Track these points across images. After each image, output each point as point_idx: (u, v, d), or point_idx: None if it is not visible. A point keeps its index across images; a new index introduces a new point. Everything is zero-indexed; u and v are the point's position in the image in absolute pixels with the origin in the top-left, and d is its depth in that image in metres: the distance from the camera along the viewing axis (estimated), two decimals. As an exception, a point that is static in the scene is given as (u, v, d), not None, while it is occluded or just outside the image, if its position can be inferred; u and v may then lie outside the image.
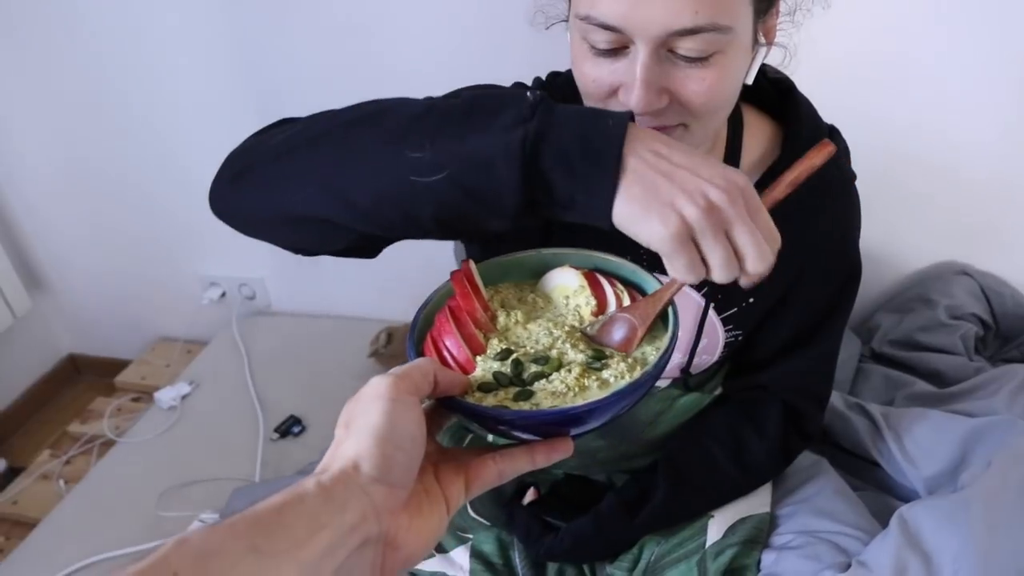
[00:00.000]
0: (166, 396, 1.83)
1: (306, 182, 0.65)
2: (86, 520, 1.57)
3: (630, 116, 0.57)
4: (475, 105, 0.60)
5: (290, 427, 1.71)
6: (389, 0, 1.55)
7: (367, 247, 0.73)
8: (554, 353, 0.57)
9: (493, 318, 0.60)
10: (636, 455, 1.05)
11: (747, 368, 1.02)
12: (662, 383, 0.98)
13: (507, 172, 0.55)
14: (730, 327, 0.93)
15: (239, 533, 0.39)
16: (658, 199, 0.52)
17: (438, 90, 0.66)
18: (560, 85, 0.86)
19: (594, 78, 0.70)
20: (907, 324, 1.48)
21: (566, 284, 0.64)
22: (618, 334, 0.59)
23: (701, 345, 0.92)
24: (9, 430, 2.16)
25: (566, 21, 0.76)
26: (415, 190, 0.59)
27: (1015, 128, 1.39)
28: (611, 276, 0.64)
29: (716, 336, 0.93)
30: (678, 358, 0.94)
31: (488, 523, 1.04)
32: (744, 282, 0.54)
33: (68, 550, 1.49)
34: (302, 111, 1.80)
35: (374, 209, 0.62)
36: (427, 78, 1.60)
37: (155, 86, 1.81)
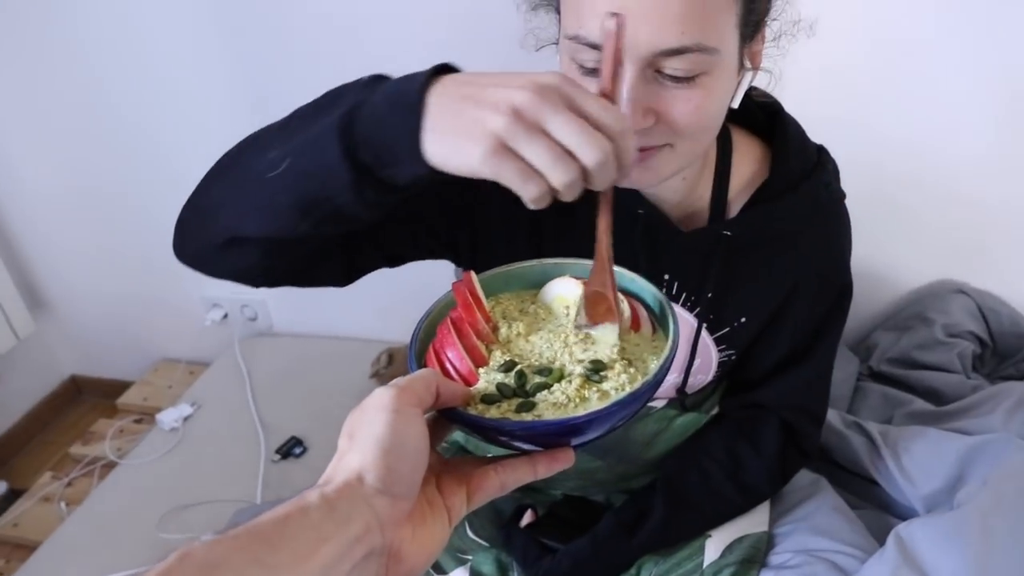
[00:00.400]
0: (168, 418, 1.84)
1: (214, 207, 0.73)
2: (87, 543, 1.57)
3: (444, 66, 0.57)
4: (323, 100, 0.66)
5: (292, 448, 1.71)
6: (386, 16, 1.57)
7: (307, 267, 0.77)
8: (556, 364, 0.57)
9: (495, 329, 0.60)
10: (634, 475, 1.05)
11: (743, 387, 1.03)
12: (659, 403, 0.99)
13: (330, 144, 0.58)
14: (723, 347, 0.94)
15: (243, 546, 0.39)
16: (464, 123, 0.52)
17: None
18: None
19: None
20: (905, 342, 1.48)
21: (566, 294, 0.64)
22: (599, 311, 0.59)
23: (695, 365, 0.93)
24: (11, 452, 2.16)
25: (556, 44, 0.77)
26: (269, 184, 0.64)
27: (1008, 147, 1.41)
28: None
29: (709, 356, 0.94)
30: (673, 378, 0.95)
31: (487, 544, 1.05)
32: (597, 183, 0.52)
33: (69, 573, 1.49)
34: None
35: (252, 212, 0.68)
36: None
37: (158, 107, 1.83)
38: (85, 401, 2.37)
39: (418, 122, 0.54)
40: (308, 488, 0.45)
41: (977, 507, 0.98)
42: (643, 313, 0.62)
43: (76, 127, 1.91)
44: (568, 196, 0.52)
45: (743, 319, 0.92)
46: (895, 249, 1.57)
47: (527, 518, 1.06)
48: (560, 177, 0.50)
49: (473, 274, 0.63)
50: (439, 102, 0.54)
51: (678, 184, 0.85)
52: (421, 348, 0.60)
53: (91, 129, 1.90)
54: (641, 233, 0.86)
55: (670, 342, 0.57)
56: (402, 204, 0.62)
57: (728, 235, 0.84)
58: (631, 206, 0.85)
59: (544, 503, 1.10)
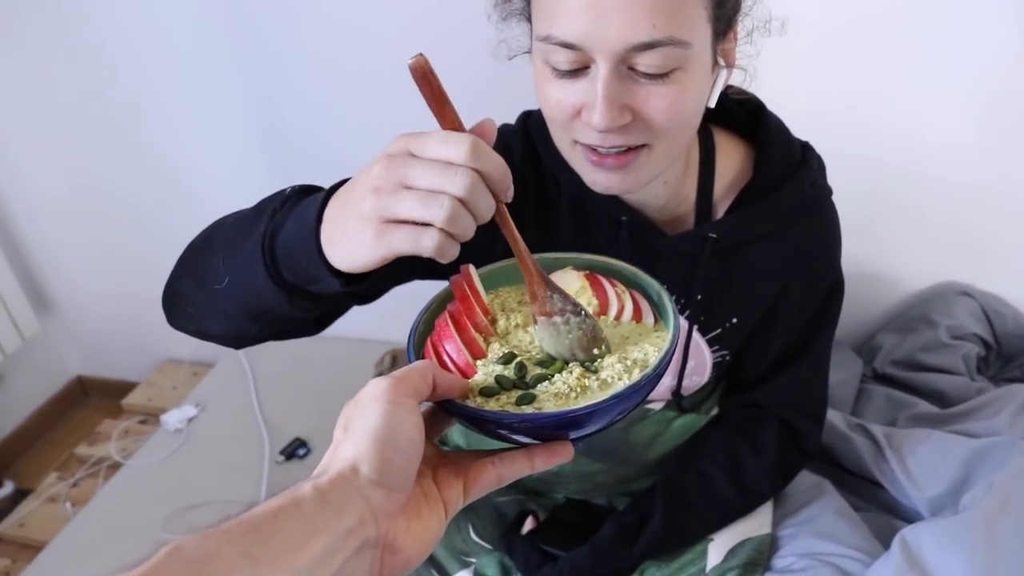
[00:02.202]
0: (173, 419, 1.84)
1: (181, 300, 0.79)
2: (92, 543, 1.57)
3: (342, 183, 0.60)
4: (262, 206, 0.70)
5: (295, 450, 1.72)
6: (393, 20, 1.58)
7: (277, 336, 0.81)
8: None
9: (493, 322, 0.60)
10: (635, 478, 1.05)
11: (741, 387, 1.03)
12: (656, 405, 0.99)
13: (257, 267, 0.65)
14: (716, 347, 0.94)
15: (234, 539, 0.39)
16: (346, 225, 0.56)
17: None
18: (534, 124, 0.88)
19: (557, 100, 0.70)
20: (909, 344, 1.48)
21: (567, 286, 0.63)
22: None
23: (689, 367, 0.93)
24: (17, 452, 2.17)
25: (529, 52, 0.77)
26: (218, 295, 0.71)
27: (1014, 149, 1.40)
28: (612, 278, 0.64)
29: (703, 357, 0.94)
30: (668, 381, 0.94)
31: (491, 547, 1.05)
32: (479, 208, 0.52)
33: (74, 573, 1.49)
34: (310, 136, 1.81)
35: (210, 315, 0.75)
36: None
37: (166, 110, 1.84)
38: (90, 402, 2.38)
39: (318, 243, 0.59)
40: (302, 480, 0.44)
41: (983, 511, 0.98)
42: (645, 305, 0.62)
43: (83, 130, 1.91)
44: (464, 234, 0.52)
45: (734, 320, 0.92)
46: (899, 250, 1.56)
47: (528, 524, 1.06)
48: (439, 213, 0.51)
49: (472, 268, 0.62)
50: (328, 218, 0.59)
51: (660, 188, 0.84)
52: (419, 342, 0.59)
53: (98, 132, 1.91)
54: (626, 239, 0.86)
55: (671, 332, 0.57)
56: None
57: (714, 237, 0.85)
58: (614, 213, 0.85)
59: (546, 507, 1.09)
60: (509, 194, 0.54)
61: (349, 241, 0.56)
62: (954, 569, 0.92)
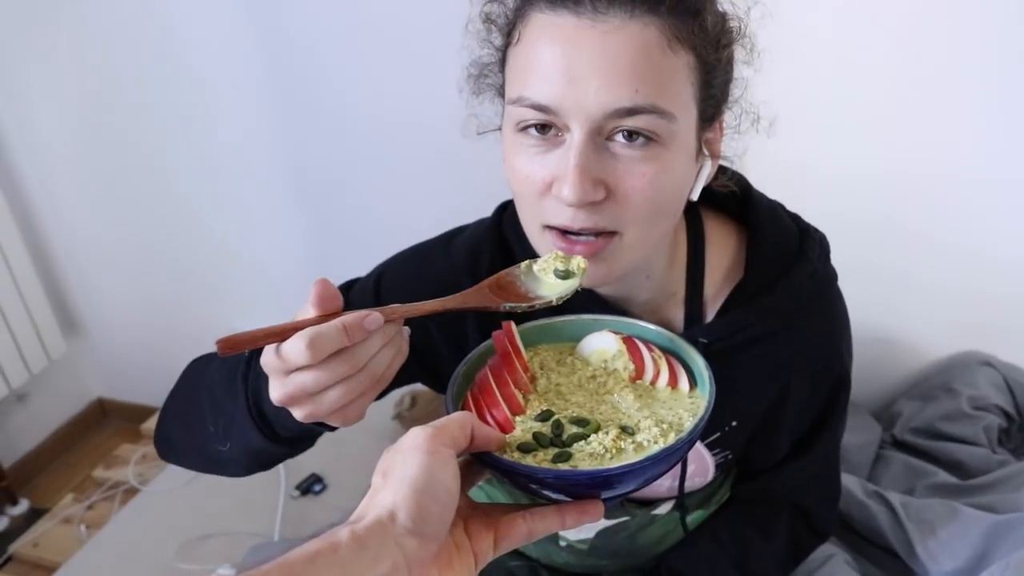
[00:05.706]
0: (191, 447, 1.85)
1: (184, 454, 0.85)
2: (105, 567, 1.58)
3: None
4: (222, 375, 0.74)
5: (311, 485, 1.72)
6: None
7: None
8: (594, 416, 0.57)
9: (532, 379, 0.61)
10: (642, 567, 1.00)
11: (751, 476, 0.97)
12: (662, 510, 0.94)
13: (254, 436, 0.69)
14: (717, 450, 0.88)
15: None
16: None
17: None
18: (509, 217, 0.83)
19: (527, 175, 0.65)
20: (929, 412, 1.47)
21: (605, 348, 0.63)
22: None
23: (690, 470, 0.87)
24: (34, 471, 2.20)
25: (499, 130, 0.72)
26: (225, 455, 0.76)
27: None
28: (649, 343, 0.64)
29: (704, 461, 0.88)
30: (669, 483, 0.89)
31: None
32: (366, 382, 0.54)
33: (86, 598, 1.50)
34: (345, 204, 1.82)
35: (224, 467, 0.80)
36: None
37: (198, 159, 1.90)
38: (110, 425, 2.40)
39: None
40: (339, 524, 0.45)
41: (1001, 589, 0.97)
42: (680, 370, 0.62)
43: (123, 165, 1.98)
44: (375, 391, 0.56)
45: (734, 423, 0.85)
46: (921, 318, 1.56)
47: None
48: (330, 406, 0.54)
49: (513, 324, 0.63)
50: None
51: (644, 282, 0.78)
52: (458, 394, 0.60)
53: (138, 171, 1.98)
54: None
55: (707, 398, 0.57)
56: None
57: (704, 342, 0.77)
58: (596, 311, 0.75)
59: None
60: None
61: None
62: (969, 647, 0.91)
